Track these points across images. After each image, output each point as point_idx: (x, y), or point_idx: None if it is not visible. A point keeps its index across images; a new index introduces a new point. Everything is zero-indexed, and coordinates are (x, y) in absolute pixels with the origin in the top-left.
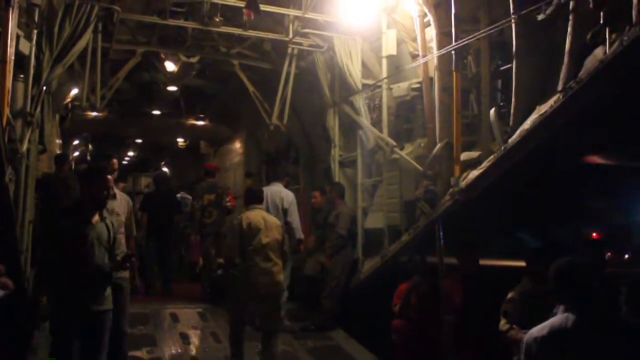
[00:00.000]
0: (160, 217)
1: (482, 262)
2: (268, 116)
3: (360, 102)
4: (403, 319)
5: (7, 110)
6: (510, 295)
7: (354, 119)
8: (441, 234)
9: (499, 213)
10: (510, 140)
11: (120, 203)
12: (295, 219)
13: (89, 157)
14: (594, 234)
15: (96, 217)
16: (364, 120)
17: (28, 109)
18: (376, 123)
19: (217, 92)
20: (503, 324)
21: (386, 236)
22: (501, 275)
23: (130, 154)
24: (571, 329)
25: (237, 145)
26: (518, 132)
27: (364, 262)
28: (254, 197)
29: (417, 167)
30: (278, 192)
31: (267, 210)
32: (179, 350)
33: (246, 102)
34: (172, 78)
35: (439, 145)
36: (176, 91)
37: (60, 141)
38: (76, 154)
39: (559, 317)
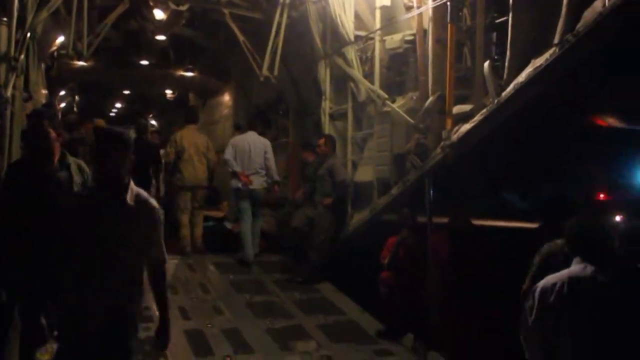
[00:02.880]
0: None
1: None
2: (258, 67)
3: (352, 54)
4: (391, 271)
5: None
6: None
7: (346, 71)
8: (431, 188)
9: (489, 172)
10: (503, 94)
11: None
12: (272, 161)
13: (75, 108)
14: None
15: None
16: (356, 72)
17: (12, 53)
18: (368, 75)
19: (207, 43)
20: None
21: (375, 189)
22: (491, 235)
23: (118, 105)
24: (590, 276)
25: (227, 97)
26: (512, 85)
27: (352, 215)
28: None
29: (409, 120)
30: (258, 139)
31: (249, 155)
32: None
33: (236, 54)
34: (160, 27)
35: (431, 99)
36: (165, 41)
37: (47, 91)
38: (63, 104)
39: (577, 267)
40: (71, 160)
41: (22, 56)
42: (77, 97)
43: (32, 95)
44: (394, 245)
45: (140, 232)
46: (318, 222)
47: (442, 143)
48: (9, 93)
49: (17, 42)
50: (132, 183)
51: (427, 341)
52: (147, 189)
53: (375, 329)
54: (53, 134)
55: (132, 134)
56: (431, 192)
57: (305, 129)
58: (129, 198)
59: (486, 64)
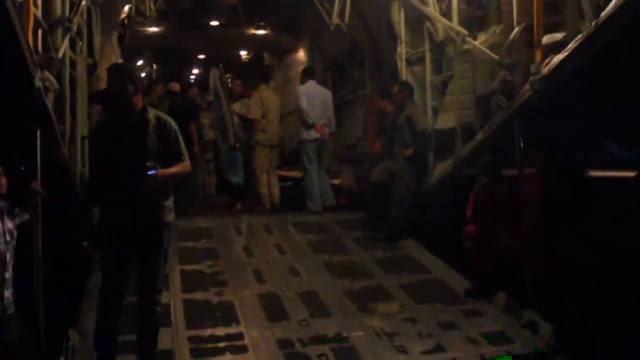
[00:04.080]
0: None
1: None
2: (328, 16)
3: None
4: (476, 224)
5: (32, 12)
6: None
7: (421, 10)
8: (521, 130)
9: (585, 115)
10: (602, 14)
11: None
12: (332, 111)
13: (154, 77)
14: None
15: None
16: (432, 10)
17: (67, 14)
18: (445, 14)
19: None
20: None
21: (459, 136)
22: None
23: (195, 71)
24: None
25: (301, 54)
26: (612, 3)
27: (435, 166)
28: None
29: (493, 57)
30: (320, 87)
31: (320, 104)
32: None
33: (306, 6)
34: None
35: (516, 30)
36: None
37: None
38: (143, 74)
39: None
40: (151, 113)
41: (77, 19)
42: (154, 66)
43: (96, 60)
44: (474, 195)
45: (163, 141)
46: (398, 175)
47: (531, 78)
48: (60, 54)
49: (72, 4)
50: (148, 108)
51: (521, 299)
52: (187, 143)
53: (463, 288)
54: (131, 88)
55: (176, 87)
56: (521, 135)
57: (383, 79)
58: (150, 117)
59: None
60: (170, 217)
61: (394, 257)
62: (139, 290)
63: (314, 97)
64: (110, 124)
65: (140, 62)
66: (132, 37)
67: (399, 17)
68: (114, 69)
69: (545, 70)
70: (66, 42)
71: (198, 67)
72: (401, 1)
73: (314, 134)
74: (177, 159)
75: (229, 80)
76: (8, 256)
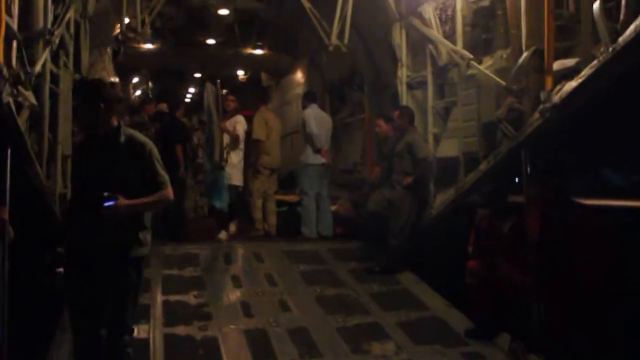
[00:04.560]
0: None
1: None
2: (327, 36)
3: (430, 11)
4: (478, 260)
5: (4, 22)
6: None
7: (423, 32)
8: (528, 161)
9: (593, 141)
10: (620, 40)
11: None
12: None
13: (150, 95)
14: None
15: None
16: (435, 32)
17: (49, 26)
18: (449, 36)
19: (273, 15)
20: None
21: (462, 165)
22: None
23: (192, 90)
24: None
25: (299, 75)
26: (632, 27)
27: (436, 196)
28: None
29: (499, 82)
30: (324, 113)
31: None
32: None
33: (305, 26)
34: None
35: (525, 54)
36: (229, 15)
37: (117, 79)
38: (138, 92)
39: None
40: (125, 134)
41: (60, 31)
42: (150, 84)
43: (84, 77)
44: (475, 228)
45: (136, 166)
46: (397, 204)
47: (540, 106)
48: (37, 68)
49: (56, 17)
50: (123, 126)
51: (527, 342)
52: (173, 166)
53: (464, 328)
54: (102, 106)
55: (164, 107)
56: (528, 165)
57: (382, 103)
58: (121, 139)
59: (596, 4)
60: (141, 251)
61: (390, 292)
62: (108, 329)
63: (320, 121)
64: (84, 145)
65: (136, 80)
66: (127, 54)
67: (400, 39)
68: (79, 85)
69: (556, 98)
70: (46, 55)
71: (194, 86)
72: (403, 22)
73: (320, 159)
74: (155, 186)
75: (225, 95)
76: None
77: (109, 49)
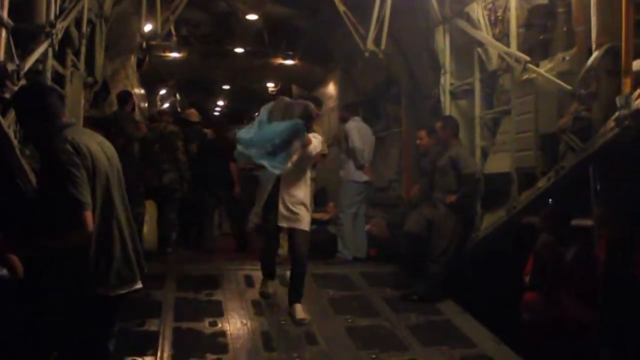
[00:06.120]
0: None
1: None
2: (363, 41)
3: (479, 12)
4: (537, 292)
5: None
6: None
7: (471, 35)
8: (598, 178)
9: None
10: None
11: None
12: None
13: (178, 108)
14: None
15: None
16: (484, 34)
17: (51, 17)
18: (500, 38)
19: (305, 22)
20: None
21: (515, 182)
22: None
23: (220, 103)
24: None
25: (331, 87)
26: None
27: (483, 216)
28: None
29: (563, 87)
30: (367, 127)
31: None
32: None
33: (339, 34)
34: (251, 4)
35: (596, 54)
36: (258, 21)
37: (143, 91)
38: (166, 105)
39: None
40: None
41: (63, 25)
42: (178, 96)
43: (97, 80)
44: (534, 256)
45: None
46: (439, 225)
47: (616, 114)
48: (31, 61)
49: (62, 10)
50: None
51: None
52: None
53: None
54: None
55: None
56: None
57: (421, 115)
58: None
59: None
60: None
61: (430, 323)
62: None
63: (363, 135)
64: None
65: (163, 92)
66: (152, 64)
67: (443, 43)
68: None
69: (637, 103)
70: (44, 49)
71: (223, 99)
72: (446, 26)
73: (363, 177)
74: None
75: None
76: None
77: (132, 58)
